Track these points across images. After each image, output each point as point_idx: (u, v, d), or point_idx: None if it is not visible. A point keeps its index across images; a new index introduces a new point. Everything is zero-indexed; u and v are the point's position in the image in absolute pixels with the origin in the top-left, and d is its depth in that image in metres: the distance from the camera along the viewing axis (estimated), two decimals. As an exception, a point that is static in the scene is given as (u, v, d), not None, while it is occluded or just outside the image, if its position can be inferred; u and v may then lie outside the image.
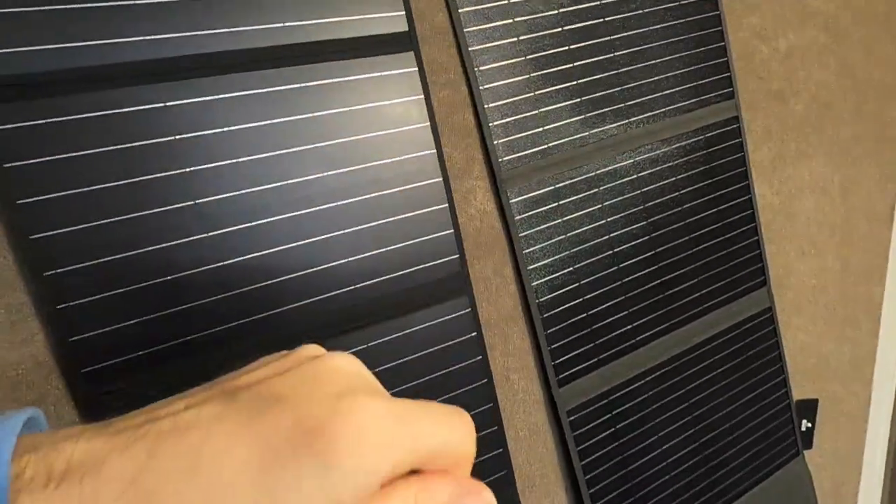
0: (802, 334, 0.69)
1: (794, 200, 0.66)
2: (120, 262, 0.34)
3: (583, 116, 0.50)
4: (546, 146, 0.49)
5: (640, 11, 0.52)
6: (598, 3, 0.50)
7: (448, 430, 0.17)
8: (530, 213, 0.48)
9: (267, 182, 0.38)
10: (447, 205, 0.44)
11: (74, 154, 0.33)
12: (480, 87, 0.46)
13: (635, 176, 0.53)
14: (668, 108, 0.54)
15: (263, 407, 0.15)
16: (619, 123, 0.52)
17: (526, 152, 0.48)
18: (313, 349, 0.19)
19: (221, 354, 0.37)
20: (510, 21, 0.46)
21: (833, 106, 0.68)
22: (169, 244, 0.36)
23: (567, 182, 0.50)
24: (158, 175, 0.35)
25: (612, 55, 0.51)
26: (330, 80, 0.40)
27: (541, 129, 0.48)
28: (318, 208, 0.40)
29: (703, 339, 0.58)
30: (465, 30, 0.45)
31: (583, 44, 0.50)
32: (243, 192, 0.37)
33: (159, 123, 0.35)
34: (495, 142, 0.47)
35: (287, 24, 0.38)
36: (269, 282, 0.39)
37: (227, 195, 0.37)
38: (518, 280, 0.49)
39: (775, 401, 0.64)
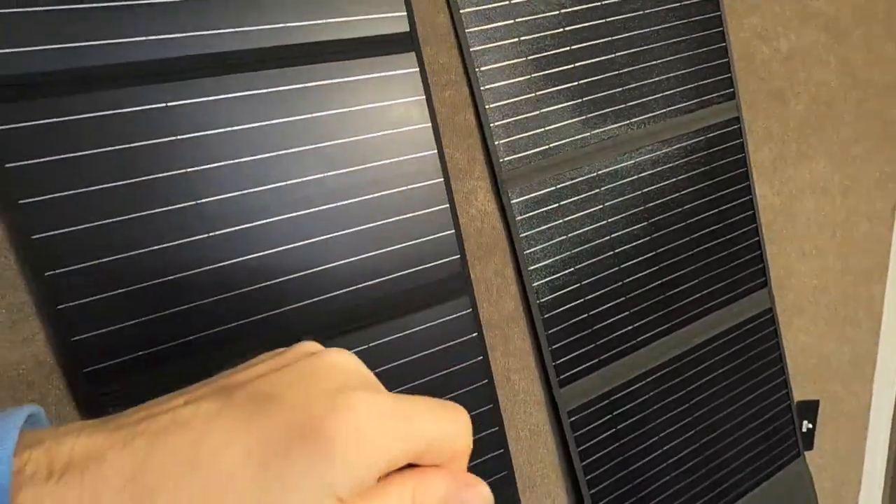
0: (803, 335, 0.69)
1: (795, 201, 0.66)
2: (121, 262, 0.34)
3: (584, 117, 0.50)
4: (547, 147, 0.49)
5: (642, 12, 0.52)
6: (600, 3, 0.50)
7: (444, 424, 0.17)
8: (531, 213, 0.48)
9: (268, 182, 0.38)
10: (448, 205, 0.44)
11: (76, 154, 0.33)
12: (482, 88, 0.46)
13: (636, 176, 0.53)
14: (669, 109, 0.54)
15: (261, 403, 0.15)
16: (620, 124, 0.52)
17: (527, 153, 0.48)
18: (311, 346, 0.19)
19: (222, 355, 0.37)
20: (511, 22, 0.46)
21: (834, 106, 0.68)
22: (170, 244, 0.36)
23: (568, 183, 0.50)
24: (159, 175, 0.35)
25: (613, 56, 0.51)
26: (331, 80, 0.40)
27: (542, 130, 0.48)
28: (318, 208, 0.40)
29: (704, 339, 0.58)
30: (466, 30, 0.45)
31: (584, 44, 0.50)
32: (244, 192, 0.37)
33: (160, 124, 0.35)
34: (496, 142, 0.47)
35: (288, 24, 0.38)
36: (270, 282, 0.39)
37: (228, 195, 0.37)
38: (519, 281, 0.49)
39: (776, 401, 0.64)
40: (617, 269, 0.53)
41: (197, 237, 0.36)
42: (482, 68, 0.46)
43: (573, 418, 0.51)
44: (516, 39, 0.47)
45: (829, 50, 0.67)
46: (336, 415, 0.15)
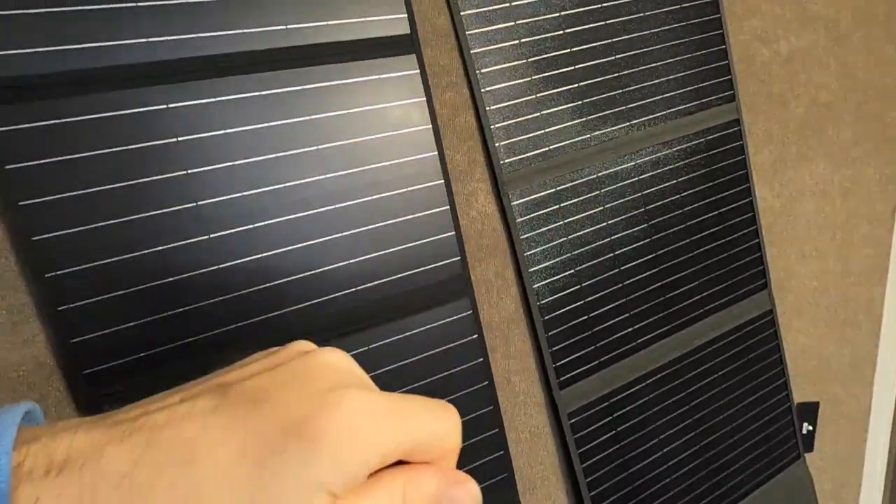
0: (803, 337, 0.69)
1: (795, 203, 0.66)
2: (120, 264, 0.34)
3: (584, 119, 0.50)
4: (547, 148, 0.49)
5: (642, 15, 0.52)
6: (600, 6, 0.50)
7: (435, 422, 0.17)
8: (532, 215, 0.48)
9: (268, 184, 0.38)
10: (448, 207, 0.44)
11: (76, 156, 0.33)
12: (482, 90, 0.46)
13: (636, 178, 0.53)
14: (669, 111, 0.54)
15: (256, 402, 0.15)
16: (620, 126, 0.52)
17: (527, 155, 0.48)
18: (304, 345, 0.19)
19: (221, 357, 0.37)
20: (512, 24, 0.47)
21: (833, 108, 0.68)
22: (169, 246, 0.36)
23: (568, 184, 0.50)
24: (159, 177, 0.35)
25: (613, 58, 0.51)
26: (332, 82, 0.40)
27: (542, 132, 0.48)
28: (318, 210, 0.40)
29: (705, 341, 0.58)
30: (466, 32, 0.45)
31: (584, 47, 0.50)
32: (243, 194, 0.37)
33: (160, 126, 0.35)
34: (497, 144, 0.47)
35: (289, 26, 0.38)
36: (269, 284, 0.39)
37: (228, 197, 0.37)
38: (519, 282, 0.49)
39: (776, 403, 0.64)
40: (617, 270, 0.53)
41: (196, 239, 0.36)
42: (483, 70, 0.46)
43: (573, 420, 0.51)
44: (517, 41, 0.47)
45: (828, 52, 0.67)
46: (328, 413, 0.15)
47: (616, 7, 0.51)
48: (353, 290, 0.41)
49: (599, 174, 0.51)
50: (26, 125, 0.32)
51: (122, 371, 0.35)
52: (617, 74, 0.51)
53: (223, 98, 0.37)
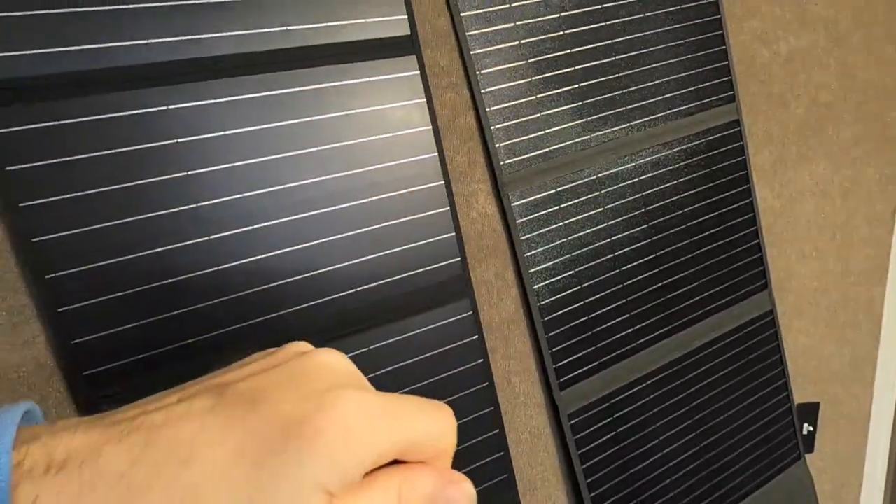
0: (803, 337, 0.69)
1: (795, 203, 0.66)
2: (120, 265, 0.34)
3: (584, 120, 0.50)
4: (547, 149, 0.49)
5: (642, 15, 0.52)
6: (600, 7, 0.50)
7: (430, 422, 0.17)
8: (532, 216, 0.48)
9: (268, 186, 0.38)
10: (448, 208, 0.44)
11: (76, 157, 0.33)
12: (482, 91, 0.46)
13: (636, 179, 0.53)
14: (669, 112, 0.54)
15: (254, 401, 0.16)
16: (620, 127, 0.52)
17: (527, 155, 0.48)
18: (301, 346, 0.19)
19: (220, 358, 0.37)
20: (512, 25, 0.47)
21: (833, 109, 0.68)
22: (169, 248, 0.36)
23: (568, 185, 0.50)
24: (158, 179, 0.35)
25: (613, 59, 0.51)
26: (332, 83, 0.40)
27: (542, 133, 0.48)
28: (318, 211, 0.40)
29: (705, 342, 0.58)
30: (466, 33, 0.45)
31: (584, 47, 0.50)
32: (243, 195, 0.37)
33: (159, 127, 0.35)
34: (497, 145, 0.47)
35: (289, 27, 0.38)
36: (269, 285, 0.39)
37: (227, 199, 0.37)
38: (519, 283, 0.49)
39: (776, 404, 0.64)
40: (617, 271, 0.53)
41: (196, 240, 0.36)
42: (483, 71, 0.46)
43: (573, 421, 0.51)
44: (517, 42, 0.47)
45: (828, 53, 0.67)
46: (324, 413, 0.15)
47: (616, 8, 0.51)
48: (353, 291, 0.41)
49: (600, 175, 0.51)
50: (26, 127, 0.32)
51: (122, 372, 0.35)
52: (617, 75, 0.51)
53: (223, 99, 0.37)
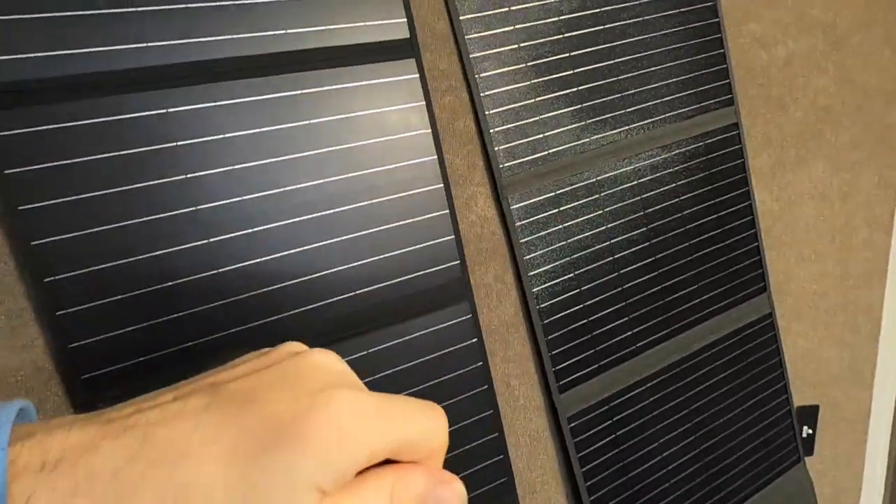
0: (803, 340, 0.69)
1: (794, 206, 0.67)
2: (119, 268, 0.34)
3: (583, 123, 0.50)
4: (547, 152, 0.49)
5: (641, 19, 0.52)
6: (599, 10, 0.50)
7: (422, 422, 0.18)
8: (531, 219, 0.48)
9: (267, 189, 0.38)
10: (448, 211, 0.44)
11: (74, 160, 0.33)
12: (481, 94, 0.46)
13: (635, 182, 0.53)
14: (668, 115, 0.54)
15: (248, 400, 0.16)
16: (619, 130, 0.52)
17: (527, 158, 0.48)
18: (295, 346, 0.19)
19: (219, 361, 0.37)
20: (511, 28, 0.47)
21: (832, 112, 0.68)
22: (167, 251, 0.36)
23: (567, 188, 0.50)
24: (157, 182, 0.35)
25: (612, 62, 0.51)
26: (331, 86, 0.40)
27: (541, 136, 0.48)
28: (317, 214, 0.40)
29: (704, 345, 0.58)
30: (466, 37, 0.45)
31: (583, 51, 0.50)
32: (242, 198, 0.37)
33: (159, 130, 0.35)
34: (496, 148, 0.47)
35: (288, 30, 0.38)
36: (267, 289, 0.38)
37: (226, 202, 0.37)
38: (519, 286, 0.49)
39: (776, 407, 0.64)
40: (616, 274, 0.53)
41: (194, 243, 0.36)
42: (482, 74, 0.46)
43: (573, 424, 0.51)
44: (516, 46, 0.47)
45: (827, 56, 0.67)
46: (318, 412, 0.15)
47: (615, 11, 0.51)
48: (352, 294, 0.41)
49: (599, 178, 0.51)
50: (25, 130, 0.32)
51: (121, 376, 0.35)
52: (616, 78, 0.51)
53: (222, 102, 0.37)
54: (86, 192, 0.33)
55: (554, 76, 0.48)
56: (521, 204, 0.48)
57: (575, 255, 0.50)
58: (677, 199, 0.56)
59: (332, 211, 0.40)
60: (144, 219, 0.35)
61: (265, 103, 0.38)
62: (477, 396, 0.46)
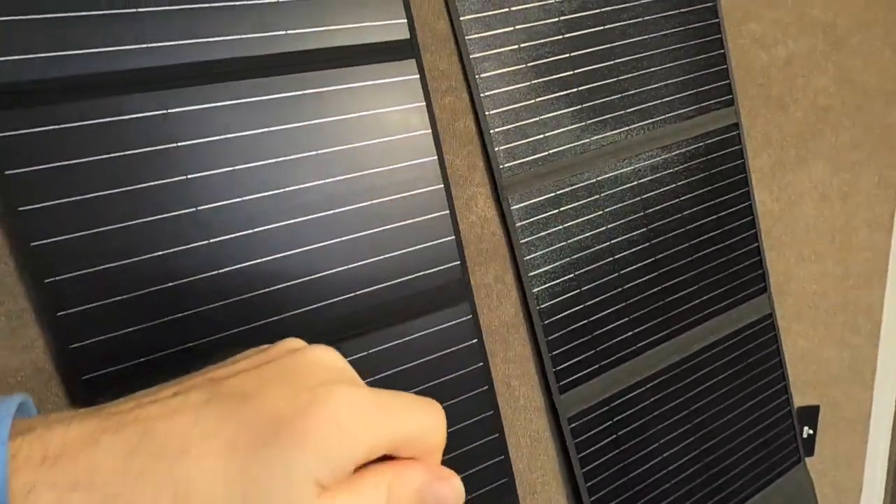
0: (803, 340, 0.69)
1: (794, 206, 0.67)
2: (120, 269, 0.34)
3: (583, 123, 0.50)
4: (547, 153, 0.49)
5: (641, 19, 0.52)
6: (599, 11, 0.50)
7: (421, 418, 0.18)
8: (531, 219, 0.48)
9: (267, 189, 0.38)
10: (448, 211, 0.44)
11: (75, 161, 0.33)
12: (481, 95, 0.46)
13: (636, 182, 0.53)
14: (668, 115, 0.54)
15: (248, 395, 0.16)
16: (619, 130, 0.52)
17: (527, 159, 0.48)
18: (294, 342, 0.19)
19: (218, 360, 0.37)
20: (511, 29, 0.47)
21: (832, 112, 0.68)
22: (168, 251, 0.36)
23: (568, 189, 0.50)
24: (158, 182, 0.35)
25: (612, 62, 0.51)
26: (331, 87, 0.40)
27: (542, 136, 0.48)
28: (317, 215, 0.40)
29: (704, 345, 0.58)
30: (466, 37, 0.45)
31: (583, 51, 0.50)
32: (243, 199, 0.37)
33: (159, 131, 0.35)
34: (496, 148, 0.47)
35: (288, 31, 0.38)
36: (268, 289, 0.38)
37: (227, 202, 0.37)
38: (519, 286, 0.49)
39: (776, 407, 0.64)
40: (616, 274, 0.53)
41: (195, 244, 0.36)
42: (482, 75, 0.46)
43: (573, 425, 0.51)
44: (516, 46, 0.47)
45: (827, 56, 0.67)
46: (316, 408, 0.16)
47: (615, 12, 0.51)
48: (353, 294, 0.41)
49: (599, 178, 0.51)
50: (25, 130, 0.32)
51: (121, 376, 0.35)
52: (616, 79, 0.51)
53: (223, 103, 0.37)
54: (87, 193, 0.33)
55: (554, 77, 0.49)
56: (522, 204, 0.48)
57: (575, 256, 0.50)
58: (677, 200, 0.56)
59: (332, 211, 0.40)
60: (146, 219, 0.35)
61: (266, 104, 0.38)
62: (477, 397, 0.46)
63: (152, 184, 0.35)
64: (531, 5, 0.47)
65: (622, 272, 0.53)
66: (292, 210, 0.39)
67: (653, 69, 0.53)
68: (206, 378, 0.17)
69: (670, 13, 0.54)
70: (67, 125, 0.33)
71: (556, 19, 0.48)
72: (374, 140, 0.41)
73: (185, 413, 0.15)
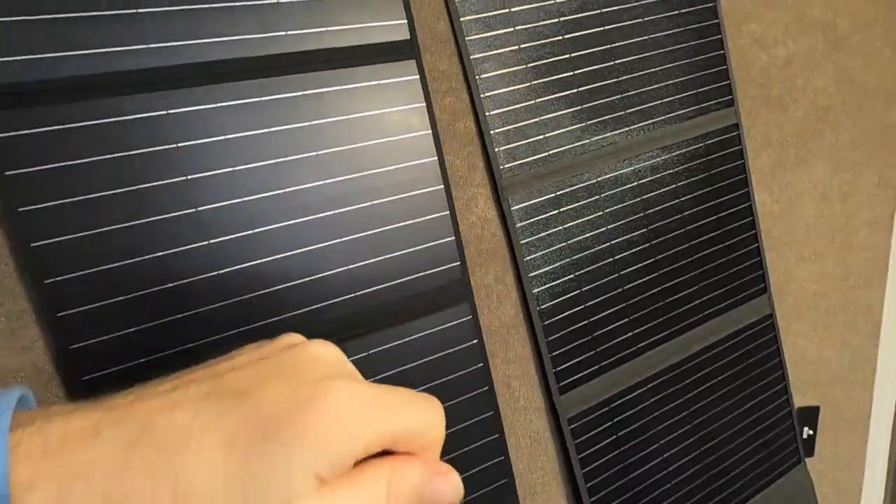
0: (803, 340, 0.69)
1: (794, 207, 0.67)
2: (120, 269, 0.34)
3: (583, 124, 0.50)
4: (547, 154, 0.49)
5: (641, 20, 0.52)
6: (599, 11, 0.50)
7: (419, 414, 0.18)
8: (531, 220, 0.48)
9: (267, 190, 0.38)
10: (448, 212, 0.44)
11: (75, 162, 0.33)
12: (482, 95, 0.46)
13: (636, 183, 0.53)
14: (668, 116, 0.54)
15: (247, 390, 0.16)
16: (619, 131, 0.52)
17: (527, 160, 0.48)
18: (293, 337, 0.20)
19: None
20: (511, 30, 0.47)
21: (832, 112, 0.68)
22: (168, 252, 0.36)
23: (568, 189, 0.50)
24: (158, 183, 0.35)
25: (612, 63, 0.51)
26: (332, 88, 0.40)
27: (542, 137, 0.48)
28: (318, 216, 0.40)
29: (704, 346, 0.58)
30: (466, 38, 0.45)
31: (583, 52, 0.50)
32: (243, 200, 0.37)
33: (159, 132, 0.35)
34: (496, 149, 0.47)
35: (289, 32, 0.38)
36: (269, 290, 0.38)
37: (227, 203, 0.37)
38: (519, 287, 0.49)
39: (776, 408, 0.64)
40: (616, 275, 0.53)
41: (196, 245, 0.36)
42: (482, 76, 0.46)
43: (573, 425, 0.51)
44: (516, 47, 0.47)
45: (826, 56, 0.67)
46: (316, 403, 0.16)
47: (615, 12, 0.51)
48: (353, 295, 0.41)
49: (599, 179, 0.51)
50: (26, 131, 0.32)
51: (121, 377, 0.35)
52: (616, 79, 0.51)
53: (223, 104, 0.37)
54: (87, 194, 0.33)
55: (554, 77, 0.49)
56: (522, 205, 0.48)
57: (575, 257, 0.50)
58: (677, 201, 0.56)
59: (332, 212, 0.40)
60: (145, 220, 0.35)
61: (266, 104, 0.38)
62: (477, 398, 0.46)
63: (152, 184, 0.35)
64: (531, 6, 0.47)
65: (622, 273, 0.53)
66: (293, 211, 0.39)
67: (653, 70, 0.53)
68: (206, 372, 0.17)
69: (670, 14, 0.54)
70: (68, 126, 0.33)
71: (557, 20, 0.48)
72: (375, 141, 0.41)
73: (185, 407, 0.15)
